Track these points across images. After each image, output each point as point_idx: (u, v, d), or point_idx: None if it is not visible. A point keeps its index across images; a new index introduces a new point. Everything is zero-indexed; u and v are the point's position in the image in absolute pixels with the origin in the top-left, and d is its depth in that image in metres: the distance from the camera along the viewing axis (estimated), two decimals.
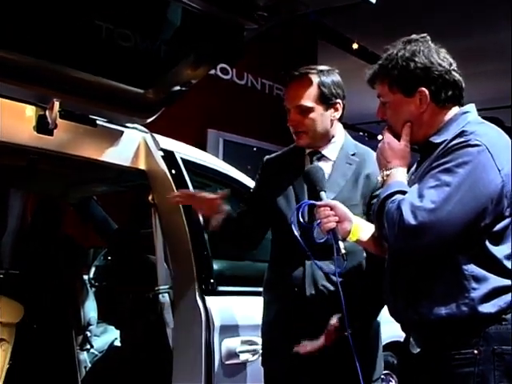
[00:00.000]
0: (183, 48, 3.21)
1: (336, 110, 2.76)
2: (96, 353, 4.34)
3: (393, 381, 4.18)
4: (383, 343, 2.92)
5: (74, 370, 4.10)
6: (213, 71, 7.70)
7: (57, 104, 2.94)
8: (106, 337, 4.48)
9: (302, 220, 2.54)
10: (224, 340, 3.19)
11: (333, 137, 2.79)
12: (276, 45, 8.40)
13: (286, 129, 2.78)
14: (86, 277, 4.56)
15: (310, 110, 2.71)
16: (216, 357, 3.15)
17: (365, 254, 2.66)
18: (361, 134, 12.42)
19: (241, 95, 8.71)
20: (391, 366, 4.06)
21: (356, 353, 2.31)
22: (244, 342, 3.25)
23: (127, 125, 3.39)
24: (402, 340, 2.27)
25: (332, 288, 2.65)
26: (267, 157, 2.97)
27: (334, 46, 9.84)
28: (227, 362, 3.20)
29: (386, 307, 2.33)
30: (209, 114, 8.06)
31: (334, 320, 2.59)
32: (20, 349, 3.67)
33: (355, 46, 9.88)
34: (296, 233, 2.51)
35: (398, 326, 2.30)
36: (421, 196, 1.99)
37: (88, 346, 4.29)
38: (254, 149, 8.50)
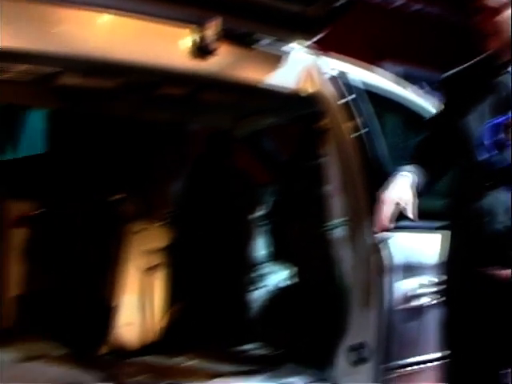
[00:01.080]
0: None
1: None
2: (268, 290, 4.24)
3: None
4: None
5: (245, 308, 4.07)
6: None
7: (216, 24, 2.74)
8: (279, 275, 4.36)
9: (491, 141, 2.29)
10: (402, 281, 2.98)
11: None
12: None
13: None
14: (258, 213, 4.45)
15: (499, 10, 2.40)
16: (392, 299, 2.95)
17: None
18: None
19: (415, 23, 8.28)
20: None
21: None
22: (424, 284, 3.03)
23: (292, 46, 3.14)
24: None
25: None
26: (444, 75, 2.67)
27: None
28: (405, 306, 3.00)
29: None
30: (380, 44, 7.73)
31: None
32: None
33: None
34: (484, 156, 2.28)
35: None
36: None
37: (260, 284, 4.22)
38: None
